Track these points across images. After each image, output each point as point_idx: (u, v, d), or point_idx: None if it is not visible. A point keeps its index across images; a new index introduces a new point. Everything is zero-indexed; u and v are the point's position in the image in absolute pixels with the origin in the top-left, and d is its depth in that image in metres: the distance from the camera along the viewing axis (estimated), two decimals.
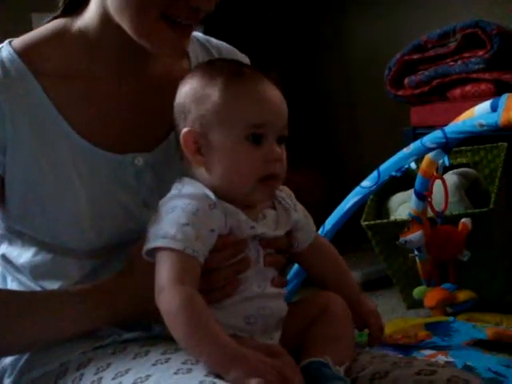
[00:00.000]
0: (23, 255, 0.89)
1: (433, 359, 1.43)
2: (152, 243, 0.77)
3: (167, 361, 0.76)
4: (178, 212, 0.78)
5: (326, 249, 0.93)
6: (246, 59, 1.01)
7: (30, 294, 0.87)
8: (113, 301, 0.83)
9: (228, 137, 0.81)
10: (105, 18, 0.85)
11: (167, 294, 0.74)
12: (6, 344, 0.84)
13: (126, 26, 0.84)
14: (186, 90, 0.83)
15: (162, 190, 0.88)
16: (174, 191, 0.81)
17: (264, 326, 0.83)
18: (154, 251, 0.77)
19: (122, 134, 0.89)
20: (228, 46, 1.02)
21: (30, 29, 0.93)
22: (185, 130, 0.81)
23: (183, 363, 0.75)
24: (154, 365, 0.76)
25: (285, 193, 0.89)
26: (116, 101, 0.89)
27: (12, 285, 0.91)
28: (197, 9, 0.83)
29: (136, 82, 0.90)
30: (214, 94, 0.81)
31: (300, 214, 0.89)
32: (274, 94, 0.83)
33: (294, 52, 2.84)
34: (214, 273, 0.80)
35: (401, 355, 1.23)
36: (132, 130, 0.89)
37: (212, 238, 0.78)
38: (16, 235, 0.88)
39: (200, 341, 0.72)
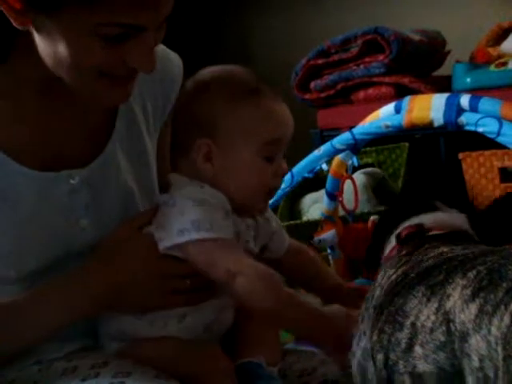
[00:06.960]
0: None
1: None
2: (191, 235, 0.79)
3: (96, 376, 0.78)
4: (206, 207, 0.80)
5: (302, 252, 0.98)
6: (177, 58, 0.97)
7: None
8: (88, 284, 0.83)
9: (244, 152, 0.83)
10: (37, 58, 0.80)
11: (245, 276, 0.78)
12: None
13: (66, 82, 0.81)
14: (202, 100, 0.85)
15: (98, 206, 0.86)
16: (193, 188, 0.83)
17: (218, 333, 0.87)
18: (185, 244, 0.79)
19: (53, 152, 0.85)
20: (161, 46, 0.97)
21: None
22: (201, 139, 0.83)
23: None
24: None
25: None
26: (47, 118, 0.85)
27: None
28: (134, 69, 0.80)
29: (67, 97, 0.85)
30: (233, 109, 0.83)
31: (276, 222, 0.93)
32: (286, 111, 0.86)
33: (194, 52, 2.84)
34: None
35: None
36: (64, 146, 0.86)
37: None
38: None
39: (289, 305, 0.80)
